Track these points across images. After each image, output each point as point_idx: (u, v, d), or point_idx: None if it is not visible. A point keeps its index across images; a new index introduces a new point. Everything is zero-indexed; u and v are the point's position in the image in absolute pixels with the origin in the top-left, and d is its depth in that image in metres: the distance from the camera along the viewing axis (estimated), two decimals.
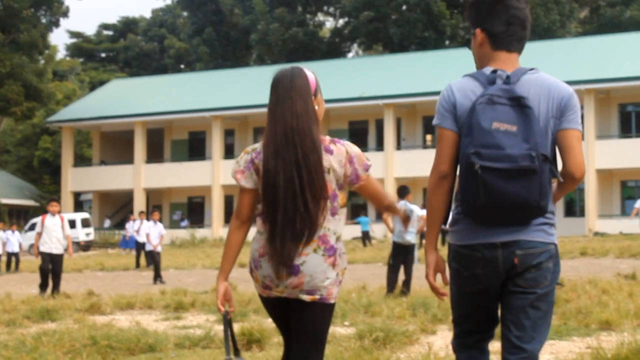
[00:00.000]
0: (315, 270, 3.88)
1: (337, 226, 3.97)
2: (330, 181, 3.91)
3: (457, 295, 3.80)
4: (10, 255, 28.92)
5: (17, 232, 29.91)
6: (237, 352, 4.15)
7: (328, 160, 3.91)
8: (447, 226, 3.78)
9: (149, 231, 21.20)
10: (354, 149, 3.98)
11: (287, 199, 3.85)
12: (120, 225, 52.42)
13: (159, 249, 20.71)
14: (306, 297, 3.91)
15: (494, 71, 3.60)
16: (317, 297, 3.92)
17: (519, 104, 3.46)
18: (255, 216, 4.02)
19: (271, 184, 3.88)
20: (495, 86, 3.52)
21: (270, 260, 3.91)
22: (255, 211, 4.03)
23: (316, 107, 3.99)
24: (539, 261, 3.59)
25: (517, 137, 3.42)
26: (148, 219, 24.35)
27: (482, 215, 3.54)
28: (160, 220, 21.73)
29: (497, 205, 3.47)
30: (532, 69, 3.65)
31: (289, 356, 4.09)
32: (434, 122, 3.71)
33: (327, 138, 3.97)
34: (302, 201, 3.83)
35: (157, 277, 19.92)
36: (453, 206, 3.75)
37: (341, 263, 4.00)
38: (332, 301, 3.97)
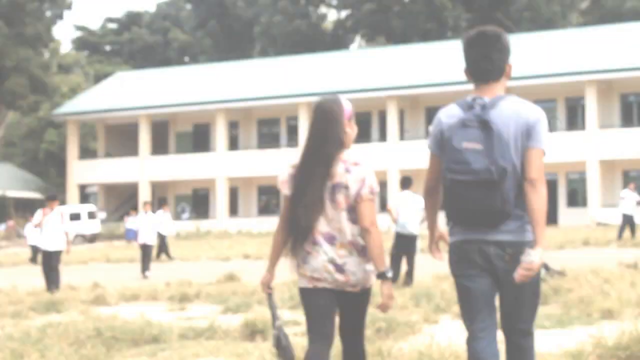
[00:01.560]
0: (356, 269, 4.66)
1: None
2: (346, 196, 4.61)
3: (461, 286, 4.30)
4: (34, 248, 28.17)
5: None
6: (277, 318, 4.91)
7: (346, 179, 4.60)
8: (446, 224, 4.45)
9: (142, 224, 20.62)
10: (371, 175, 4.65)
11: (306, 203, 4.60)
12: (121, 218, 52.47)
13: (148, 241, 20.22)
14: (352, 289, 4.71)
15: (474, 99, 4.26)
16: (359, 288, 4.71)
17: (486, 127, 4.10)
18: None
19: (297, 190, 4.66)
20: (470, 112, 4.19)
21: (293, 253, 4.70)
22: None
23: (348, 131, 4.67)
24: None
25: (481, 154, 4.08)
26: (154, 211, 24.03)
27: (458, 217, 4.22)
28: (163, 210, 21.29)
29: (466, 209, 4.16)
30: (506, 96, 4.26)
31: (341, 335, 4.86)
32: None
33: (352, 160, 4.64)
34: (310, 207, 4.60)
35: (145, 269, 19.71)
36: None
37: None
38: (370, 286, 4.78)
